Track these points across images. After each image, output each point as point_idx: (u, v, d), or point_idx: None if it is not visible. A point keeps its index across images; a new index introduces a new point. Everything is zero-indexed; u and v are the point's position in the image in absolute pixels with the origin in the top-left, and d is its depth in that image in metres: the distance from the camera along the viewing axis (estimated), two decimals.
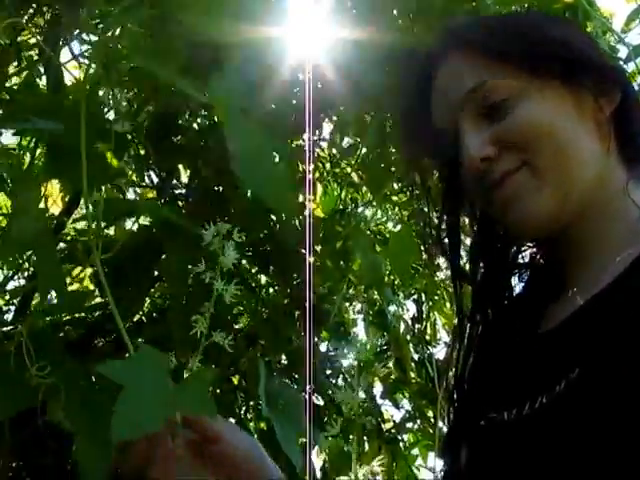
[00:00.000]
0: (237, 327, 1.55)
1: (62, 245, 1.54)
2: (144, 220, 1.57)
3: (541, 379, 0.75)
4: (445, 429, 1.06)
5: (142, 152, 1.63)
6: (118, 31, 0.99)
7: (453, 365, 0.98)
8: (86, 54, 1.29)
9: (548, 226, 0.86)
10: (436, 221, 1.05)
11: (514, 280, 1.01)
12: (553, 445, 0.71)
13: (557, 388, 0.73)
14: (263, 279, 1.59)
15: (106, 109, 1.29)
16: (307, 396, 0.82)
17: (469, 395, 0.94)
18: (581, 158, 0.85)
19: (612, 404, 0.68)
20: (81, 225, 1.73)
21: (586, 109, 0.86)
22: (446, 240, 1.00)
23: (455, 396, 0.96)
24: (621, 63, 1.35)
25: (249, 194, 1.59)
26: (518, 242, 0.99)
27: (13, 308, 1.66)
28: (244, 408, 1.68)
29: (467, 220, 1.03)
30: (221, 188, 1.61)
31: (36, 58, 1.19)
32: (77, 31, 0.96)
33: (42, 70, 1.27)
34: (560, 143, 0.84)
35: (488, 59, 0.87)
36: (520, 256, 1.01)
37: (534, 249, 1.00)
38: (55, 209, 1.75)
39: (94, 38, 1.21)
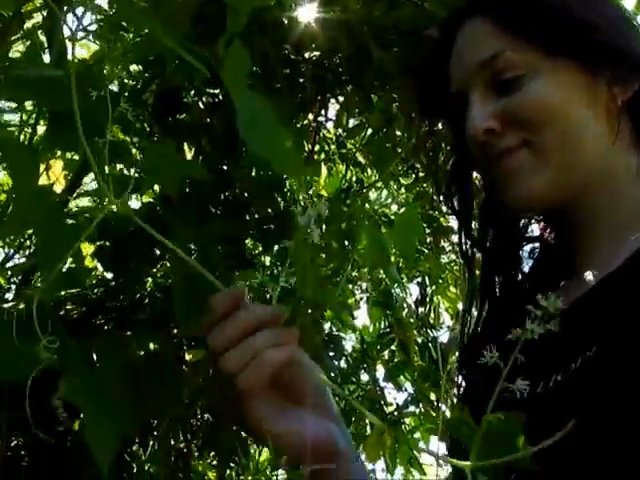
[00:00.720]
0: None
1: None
2: (147, 198, 1.56)
3: (555, 357, 0.75)
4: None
5: (147, 129, 1.62)
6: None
7: (459, 342, 0.97)
8: (90, 28, 1.28)
9: (541, 207, 0.86)
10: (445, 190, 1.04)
11: (525, 257, 1.00)
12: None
13: (572, 366, 0.72)
14: (267, 260, 1.58)
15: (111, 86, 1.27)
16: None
17: (479, 372, 0.93)
18: (585, 145, 0.84)
19: (628, 382, 0.67)
20: (84, 202, 1.73)
21: (599, 95, 0.85)
22: (456, 203, 0.99)
23: (464, 371, 0.96)
24: None
25: (254, 173, 1.59)
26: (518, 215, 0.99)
27: (14, 287, 1.65)
28: None
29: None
30: (225, 167, 1.61)
31: (39, 30, 1.17)
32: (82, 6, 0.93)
33: (45, 45, 1.26)
34: (565, 127, 0.83)
35: (506, 30, 0.86)
36: (530, 230, 1.00)
37: (544, 223, 0.99)
38: (57, 187, 1.75)
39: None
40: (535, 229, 1.00)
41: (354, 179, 1.78)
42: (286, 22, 1.31)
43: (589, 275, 0.83)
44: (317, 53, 1.49)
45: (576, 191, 0.85)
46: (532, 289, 0.94)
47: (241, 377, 0.71)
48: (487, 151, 0.85)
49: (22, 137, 1.30)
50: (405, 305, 2.06)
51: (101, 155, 0.83)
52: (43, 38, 1.23)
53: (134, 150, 1.61)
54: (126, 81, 1.66)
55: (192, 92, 1.66)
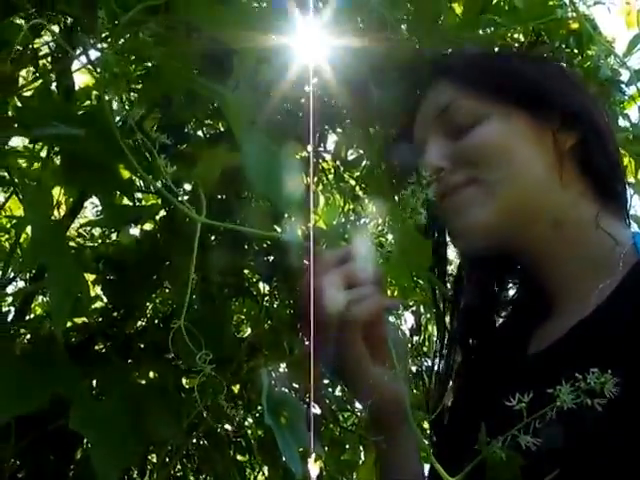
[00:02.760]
0: (239, 336, 1.57)
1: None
2: (148, 226, 1.58)
3: (532, 401, 0.77)
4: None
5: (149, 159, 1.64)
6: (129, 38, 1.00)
7: (436, 394, 1.01)
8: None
9: (487, 238, 0.91)
10: None
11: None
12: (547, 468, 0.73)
13: (549, 413, 0.75)
14: (266, 288, 1.60)
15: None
16: (309, 406, 0.83)
17: (455, 423, 0.96)
18: (530, 183, 0.90)
19: (605, 425, 0.70)
20: (83, 228, 1.74)
21: (546, 140, 0.91)
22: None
23: (439, 426, 0.99)
24: (623, 86, 1.39)
25: (253, 204, 1.61)
26: (504, 271, 1.03)
27: (13, 309, 1.67)
28: (242, 414, 1.69)
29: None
30: (225, 196, 1.63)
31: (49, 67, 1.20)
32: (92, 39, 0.97)
33: (53, 76, 1.29)
34: (510, 166, 0.89)
35: (459, 83, 0.93)
36: (503, 294, 1.04)
37: (516, 284, 1.04)
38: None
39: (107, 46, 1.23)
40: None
41: (351, 210, 1.80)
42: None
43: (562, 321, 0.87)
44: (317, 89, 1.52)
45: (523, 228, 0.90)
46: (508, 336, 0.98)
47: (356, 309, 0.79)
48: (438, 189, 0.90)
49: (35, 165, 1.32)
50: (400, 334, 2.07)
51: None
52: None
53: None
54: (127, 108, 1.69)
55: (194, 122, 1.69)
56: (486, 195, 0.90)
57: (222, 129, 1.64)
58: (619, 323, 0.81)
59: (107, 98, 1.28)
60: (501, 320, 1.07)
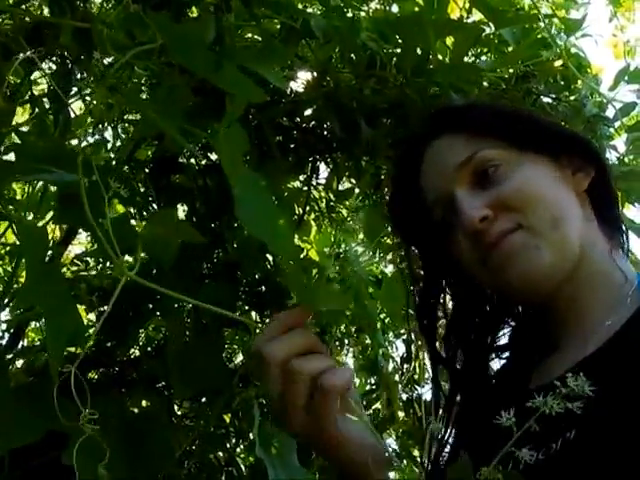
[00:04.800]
0: (231, 366, 1.58)
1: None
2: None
3: (535, 436, 0.79)
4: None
5: (142, 190, 1.67)
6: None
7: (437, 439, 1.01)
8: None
9: (545, 282, 0.90)
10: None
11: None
12: None
13: (553, 446, 0.76)
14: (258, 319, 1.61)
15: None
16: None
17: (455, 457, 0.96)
18: (571, 221, 0.91)
19: (608, 464, 0.72)
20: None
21: (568, 181, 0.93)
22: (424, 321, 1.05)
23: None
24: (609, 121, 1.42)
25: (245, 233, 1.63)
26: (511, 304, 1.03)
27: (7, 335, 1.68)
28: (234, 442, 1.70)
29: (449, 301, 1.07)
30: (217, 227, 1.65)
31: (46, 105, 1.22)
32: (87, 80, 0.99)
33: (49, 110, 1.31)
34: (552, 206, 0.90)
35: (477, 135, 0.93)
36: (498, 339, 1.05)
37: (515, 321, 1.05)
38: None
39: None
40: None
41: (343, 241, 1.82)
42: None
43: (566, 356, 0.88)
44: (308, 120, 1.55)
45: (569, 267, 0.90)
46: (509, 372, 0.99)
47: (326, 379, 0.76)
48: (483, 239, 0.90)
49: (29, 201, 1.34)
50: (391, 362, 2.09)
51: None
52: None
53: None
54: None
55: (187, 154, 1.71)
56: (537, 239, 0.90)
57: (214, 159, 1.66)
58: (629, 359, 0.82)
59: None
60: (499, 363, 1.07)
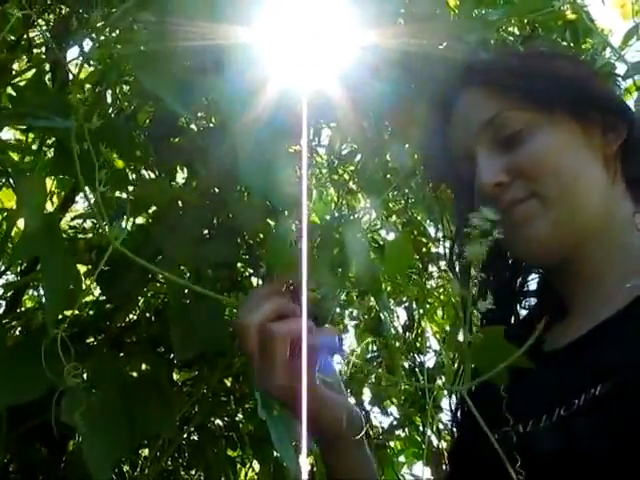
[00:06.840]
0: (232, 330, 1.56)
1: None
2: (140, 219, 1.57)
3: (556, 394, 0.78)
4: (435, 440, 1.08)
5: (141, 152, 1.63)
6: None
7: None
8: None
9: (551, 251, 0.90)
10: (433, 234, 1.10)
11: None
12: (577, 455, 0.73)
13: (576, 402, 0.75)
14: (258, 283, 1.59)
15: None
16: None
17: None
18: (588, 190, 0.89)
19: (631, 419, 0.70)
20: (75, 222, 1.73)
21: (595, 142, 0.90)
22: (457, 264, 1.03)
23: (459, 412, 0.98)
24: (619, 79, 1.38)
25: (246, 198, 1.61)
26: (525, 266, 1.02)
27: (4, 303, 1.66)
28: (234, 408, 1.69)
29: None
30: (218, 190, 1.62)
31: (44, 57, 1.19)
32: (86, 31, 0.96)
33: (48, 67, 1.28)
34: (568, 176, 0.88)
35: (504, 94, 0.91)
36: (526, 284, 1.04)
37: (540, 276, 1.03)
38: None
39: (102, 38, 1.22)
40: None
41: (346, 204, 1.80)
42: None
43: (583, 319, 0.86)
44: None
45: (580, 235, 0.89)
46: (525, 331, 0.98)
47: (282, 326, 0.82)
48: (497, 203, 0.88)
49: (27, 159, 1.31)
50: (393, 330, 2.08)
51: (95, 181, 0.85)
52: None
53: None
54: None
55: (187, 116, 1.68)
56: (547, 209, 0.88)
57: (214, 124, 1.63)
58: None
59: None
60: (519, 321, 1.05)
